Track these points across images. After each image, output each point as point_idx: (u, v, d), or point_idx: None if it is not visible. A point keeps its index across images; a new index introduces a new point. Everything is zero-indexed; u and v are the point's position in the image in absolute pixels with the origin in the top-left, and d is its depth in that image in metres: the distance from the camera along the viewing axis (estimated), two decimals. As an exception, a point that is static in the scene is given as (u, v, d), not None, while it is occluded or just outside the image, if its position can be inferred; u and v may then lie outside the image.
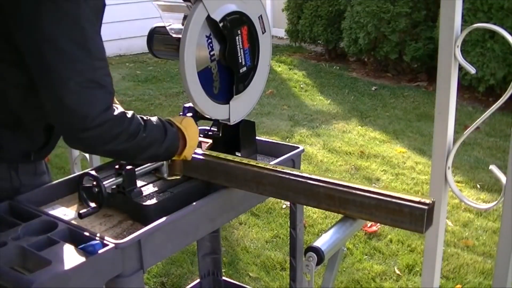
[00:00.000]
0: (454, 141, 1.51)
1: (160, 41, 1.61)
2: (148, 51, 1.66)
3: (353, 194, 1.25)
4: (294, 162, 1.72)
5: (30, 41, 1.18)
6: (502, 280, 1.48)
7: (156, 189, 1.50)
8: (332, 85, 6.15)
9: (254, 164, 1.43)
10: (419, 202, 1.17)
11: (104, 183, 1.35)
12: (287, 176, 1.36)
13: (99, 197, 1.34)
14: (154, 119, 1.36)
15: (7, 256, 1.16)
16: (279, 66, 7.04)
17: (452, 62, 1.43)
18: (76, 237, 1.24)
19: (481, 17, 4.73)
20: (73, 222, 1.33)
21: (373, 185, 3.58)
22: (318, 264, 1.16)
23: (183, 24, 1.50)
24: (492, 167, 1.48)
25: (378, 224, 2.88)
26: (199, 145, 1.61)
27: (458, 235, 3.02)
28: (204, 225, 1.46)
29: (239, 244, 2.98)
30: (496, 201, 1.48)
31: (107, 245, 1.19)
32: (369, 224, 3.00)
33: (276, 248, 2.94)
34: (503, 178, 1.45)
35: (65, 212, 1.44)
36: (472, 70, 1.44)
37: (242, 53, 1.54)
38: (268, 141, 1.83)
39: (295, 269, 1.89)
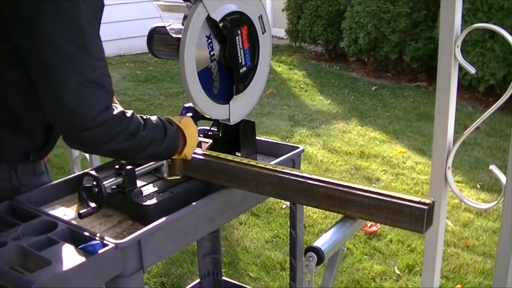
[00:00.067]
0: (454, 141, 1.51)
1: (160, 41, 1.61)
2: (148, 51, 1.66)
3: (353, 194, 1.25)
4: (294, 162, 1.72)
5: (30, 41, 1.18)
6: (502, 280, 1.48)
7: (156, 189, 1.50)
8: (332, 85, 6.15)
9: (254, 164, 1.43)
10: (419, 202, 1.17)
11: (104, 183, 1.35)
12: (287, 176, 1.36)
13: (99, 197, 1.34)
14: (153, 118, 1.36)
15: (7, 256, 1.16)
16: (279, 66, 7.04)
17: (452, 62, 1.43)
18: (76, 237, 1.24)
19: (481, 17, 4.73)
20: (73, 222, 1.33)
21: (373, 185, 3.58)
22: (318, 264, 1.16)
23: (183, 24, 1.50)
24: (492, 167, 1.48)
25: (378, 224, 2.88)
26: (199, 145, 1.61)
27: (458, 235, 3.02)
28: (204, 225, 1.46)
29: (239, 244, 2.98)
30: (496, 201, 1.48)
31: (107, 245, 1.19)
32: (369, 224, 2.99)
33: (276, 248, 2.94)
34: (503, 178, 1.45)
35: (65, 212, 1.44)
36: (472, 70, 1.44)
37: (242, 53, 1.54)
38: (268, 141, 1.83)
39: (295, 269, 1.89)
